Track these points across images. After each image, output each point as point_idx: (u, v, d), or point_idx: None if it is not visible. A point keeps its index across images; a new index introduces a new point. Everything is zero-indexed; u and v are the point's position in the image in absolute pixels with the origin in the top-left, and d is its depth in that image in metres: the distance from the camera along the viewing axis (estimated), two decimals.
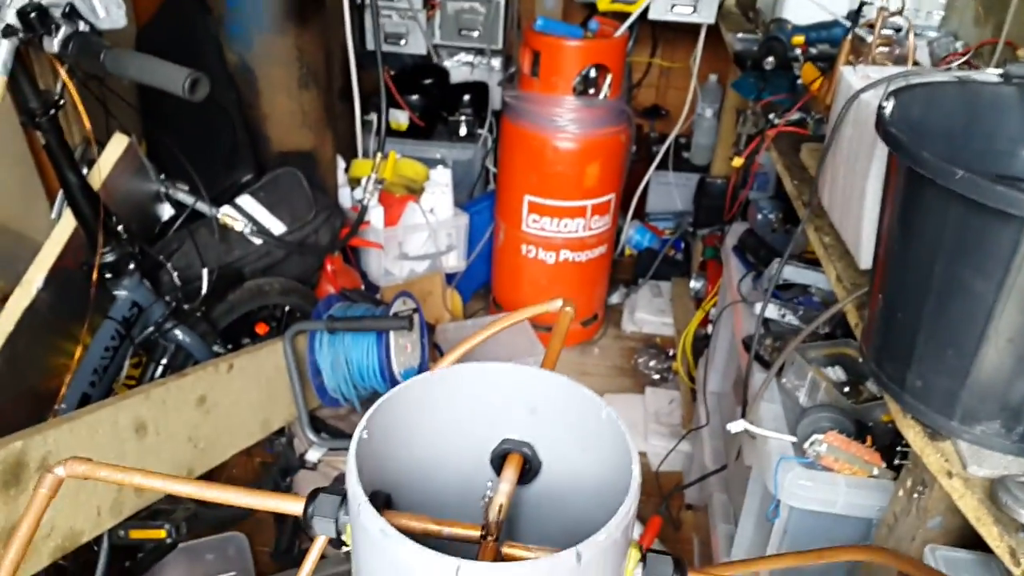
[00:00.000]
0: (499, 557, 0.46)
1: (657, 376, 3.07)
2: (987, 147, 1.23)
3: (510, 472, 0.55)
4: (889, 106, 1.08)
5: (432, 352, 2.73)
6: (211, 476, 2.42)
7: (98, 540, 1.70)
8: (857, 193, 1.38)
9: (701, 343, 2.89)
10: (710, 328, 2.80)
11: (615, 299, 3.55)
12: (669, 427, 2.70)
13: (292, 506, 0.50)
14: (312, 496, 0.50)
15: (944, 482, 1.08)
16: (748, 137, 2.17)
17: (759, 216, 2.14)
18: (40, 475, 0.55)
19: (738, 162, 2.04)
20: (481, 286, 3.50)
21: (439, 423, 0.55)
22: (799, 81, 2.10)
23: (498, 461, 0.57)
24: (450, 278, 3.18)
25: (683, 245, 3.64)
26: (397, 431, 0.52)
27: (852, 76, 1.51)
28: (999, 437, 1.05)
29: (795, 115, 1.97)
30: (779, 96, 2.13)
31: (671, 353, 3.16)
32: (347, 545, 0.50)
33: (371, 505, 0.43)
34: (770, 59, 2.18)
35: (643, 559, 0.48)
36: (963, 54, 1.89)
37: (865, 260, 1.37)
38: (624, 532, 0.44)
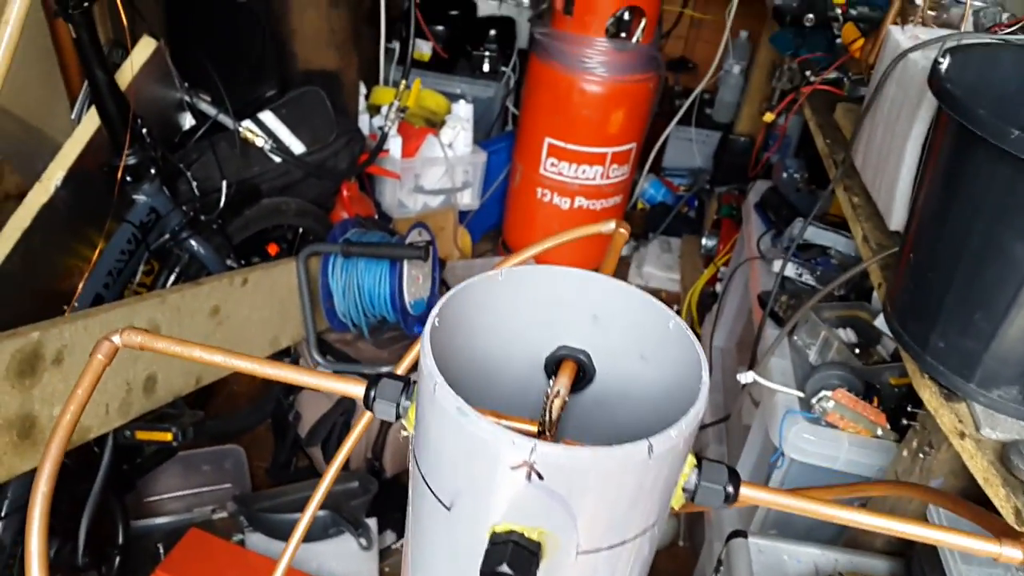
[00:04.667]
0: None
1: None
2: None
3: (564, 378, 0.55)
4: (945, 63, 1.06)
5: (441, 289, 2.73)
6: (213, 391, 2.45)
7: (100, 442, 1.72)
8: (895, 153, 1.37)
9: (707, 300, 2.90)
10: (718, 286, 2.80)
11: (624, 252, 3.54)
12: None
13: (353, 388, 0.51)
14: (374, 380, 0.50)
15: (956, 442, 1.10)
16: (782, 93, 2.14)
17: (784, 175, 2.13)
18: (98, 343, 0.56)
19: (769, 117, 2.02)
20: (491, 228, 3.48)
21: (500, 324, 0.55)
22: (838, 40, 2.06)
23: (553, 367, 0.57)
24: (462, 216, 3.16)
25: (696, 203, 3.62)
26: (460, 327, 0.52)
27: (900, 35, 1.48)
28: (1015, 403, 1.06)
29: (832, 74, 1.95)
30: (816, 54, 2.10)
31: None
32: (406, 430, 0.51)
33: (453, 391, 0.43)
34: (810, 16, 2.14)
35: (699, 465, 0.49)
36: (1009, 25, 1.86)
37: (896, 221, 1.37)
38: (691, 434, 0.45)
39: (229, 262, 2.06)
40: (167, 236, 1.94)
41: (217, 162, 2.08)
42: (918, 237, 1.15)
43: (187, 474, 2.22)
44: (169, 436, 1.65)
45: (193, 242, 1.97)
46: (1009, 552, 0.49)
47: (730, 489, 0.48)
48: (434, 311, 0.48)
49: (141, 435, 1.64)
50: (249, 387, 2.53)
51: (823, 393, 1.46)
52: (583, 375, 0.57)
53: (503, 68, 3.32)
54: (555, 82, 2.76)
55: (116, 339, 0.56)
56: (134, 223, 1.85)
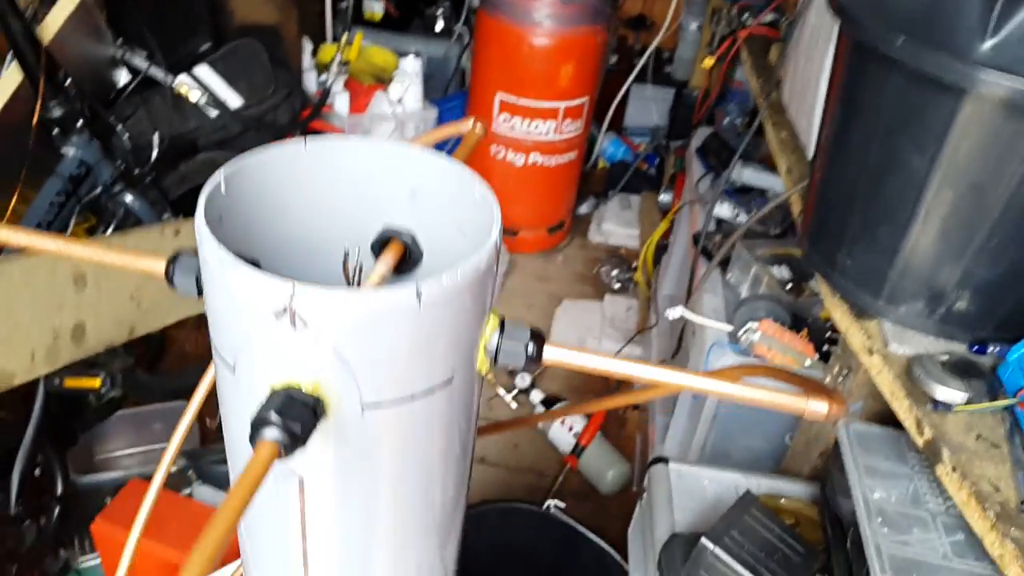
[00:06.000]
0: None
1: (618, 285, 3.08)
2: (947, 39, 1.21)
3: (388, 256, 0.54)
4: None
5: None
6: (163, 350, 2.43)
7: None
8: (812, 82, 1.36)
9: (662, 253, 2.89)
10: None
11: (584, 209, 3.53)
12: (624, 331, 2.73)
13: (153, 264, 0.49)
14: (174, 256, 0.49)
15: (865, 359, 1.10)
16: (721, 38, 2.12)
17: (725, 120, 2.12)
18: None
19: (709, 62, 2.00)
20: None
21: (314, 199, 0.54)
22: None
23: (379, 249, 0.56)
24: None
25: (656, 160, 3.61)
26: (265, 199, 0.51)
27: None
28: (921, 317, 1.07)
29: (768, 16, 1.93)
30: None
31: (634, 264, 3.17)
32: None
33: (216, 240, 0.42)
34: None
35: (501, 327, 0.48)
36: None
37: (813, 150, 1.36)
38: (474, 285, 0.44)
39: (166, 216, 2.03)
40: (99, 189, 1.90)
41: (149, 116, 2.04)
42: (824, 158, 1.15)
43: (139, 431, 2.21)
44: (98, 382, 1.63)
45: (127, 195, 1.94)
46: (814, 406, 0.49)
47: (531, 349, 0.47)
48: (218, 176, 0.47)
49: (70, 382, 1.62)
50: (197, 347, 2.51)
51: (749, 324, 1.46)
52: (409, 256, 0.56)
53: (456, 26, 3.27)
54: (504, 36, 2.73)
55: None
56: (63, 175, 1.82)
